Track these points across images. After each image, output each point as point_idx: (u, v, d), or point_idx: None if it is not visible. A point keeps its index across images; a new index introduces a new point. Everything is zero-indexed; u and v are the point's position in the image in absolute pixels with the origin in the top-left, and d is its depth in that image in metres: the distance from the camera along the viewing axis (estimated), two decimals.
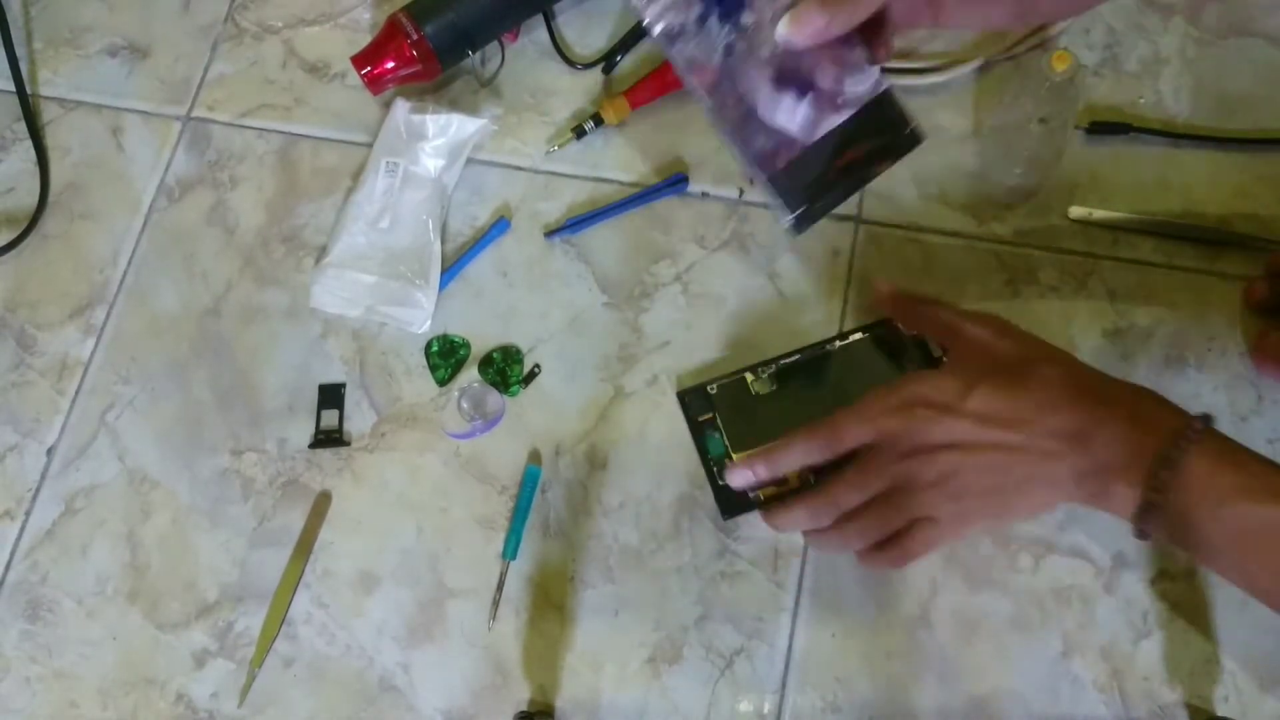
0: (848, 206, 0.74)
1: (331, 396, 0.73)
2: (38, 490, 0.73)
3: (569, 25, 0.82)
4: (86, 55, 0.86)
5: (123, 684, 0.68)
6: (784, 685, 0.65)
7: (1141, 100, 0.75)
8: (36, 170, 0.81)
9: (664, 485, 0.69)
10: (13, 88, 0.83)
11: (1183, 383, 0.68)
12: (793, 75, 0.58)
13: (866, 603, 0.66)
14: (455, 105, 0.79)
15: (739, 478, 0.61)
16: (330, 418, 0.73)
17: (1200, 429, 0.52)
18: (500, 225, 0.76)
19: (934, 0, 0.57)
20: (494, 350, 0.73)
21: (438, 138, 0.76)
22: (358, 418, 0.73)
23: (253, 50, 0.84)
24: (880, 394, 0.58)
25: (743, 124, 0.58)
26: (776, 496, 0.64)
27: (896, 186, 0.74)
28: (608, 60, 0.80)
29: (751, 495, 0.64)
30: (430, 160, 0.76)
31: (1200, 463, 0.51)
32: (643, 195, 0.76)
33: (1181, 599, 0.64)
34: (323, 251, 0.76)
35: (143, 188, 0.81)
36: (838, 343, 0.69)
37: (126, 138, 0.83)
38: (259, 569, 0.70)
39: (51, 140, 0.83)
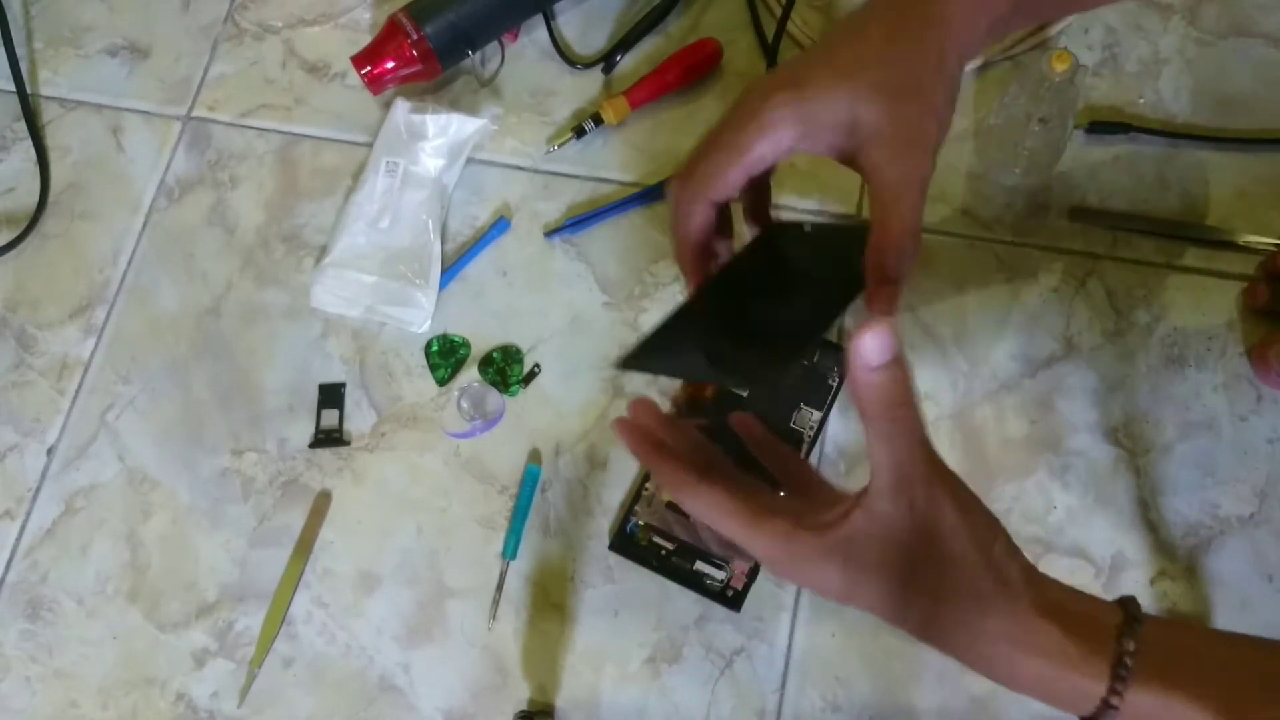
0: (848, 206, 0.74)
1: (331, 396, 0.73)
2: (38, 490, 0.73)
3: (569, 25, 0.82)
4: (87, 55, 0.86)
5: (123, 683, 0.69)
6: (784, 685, 0.65)
7: (1141, 100, 0.75)
8: (37, 170, 0.82)
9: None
10: (13, 88, 0.83)
11: (1182, 383, 0.68)
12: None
13: None
14: (455, 105, 0.79)
15: None
16: (330, 417, 0.73)
17: (1118, 704, 0.44)
18: (500, 225, 0.76)
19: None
20: (494, 350, 0.73)
21: (438, 137, 0.76)
22: (358, 417, 0.73)
23: (253, 50, 0.84)
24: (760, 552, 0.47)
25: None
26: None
27: None
28: (608, 60, 0.80)
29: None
30: (430, 160, 0.76)
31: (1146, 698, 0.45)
32: (643, 195, 0.76)
33: (1181, 599, 0.64)
34: (323, 251, 0.76)
35: (143, 188, 0.81)
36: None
37: (127, 138, 0.83)
38: (259, 569, 0.70)
39: (52, 140, 0.83)
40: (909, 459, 0.45)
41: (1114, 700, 0.45)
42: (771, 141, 0.49)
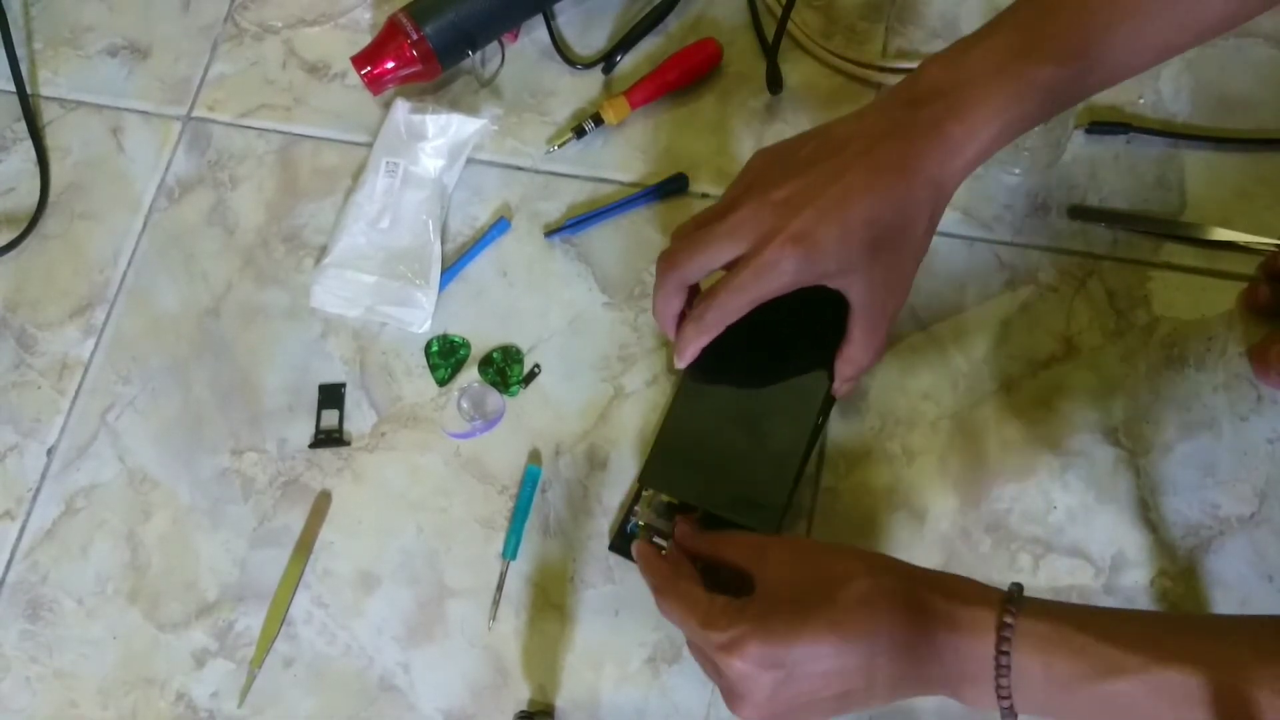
0: None
1: (331, 396, 0.73)
2: (38, 490, 0.73)
3: (569, 25, 0.82)
4: (87, 55, 0.86)
5: (123, 684, 0.69)
6: None
7: (1141, 100, 0.75)
8: (37, 170, 0.82)
9: None
10: (13, 88, 0.83)
11: (1182, 383, 0.68)
12: None
13: None
14: (455, 105, 0.79)
15: None
16: (330, 418, 0.73)
17: (1011, 622, 0.50)
18: (500, 225, 0.76)
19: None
20: (494, 350, 0.73)
21: (438, 138, 0.76)
22: (358, 418, 0.73)
23: (253, 50, 0.84)
24: (689, 632, 0.56)
25: None
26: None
27: None
28: (608, 60, 0.80)
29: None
30: (430, 160, 0.76)
31: (1032, 660, 0.49)
32: (643, 195, 0.76)
33: (1180, 598, 0.64)
34: (323, 251, 0.76)
35: (143, 188, 0.81)
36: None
37: (126, 138, 0.83)
38: (259, 569, 0.70)
39: (52, 140, 0.83)
40: (739, 553, 0.57)
41: (1004, 645, 0.49)
42: (780, 287, 0.57)
